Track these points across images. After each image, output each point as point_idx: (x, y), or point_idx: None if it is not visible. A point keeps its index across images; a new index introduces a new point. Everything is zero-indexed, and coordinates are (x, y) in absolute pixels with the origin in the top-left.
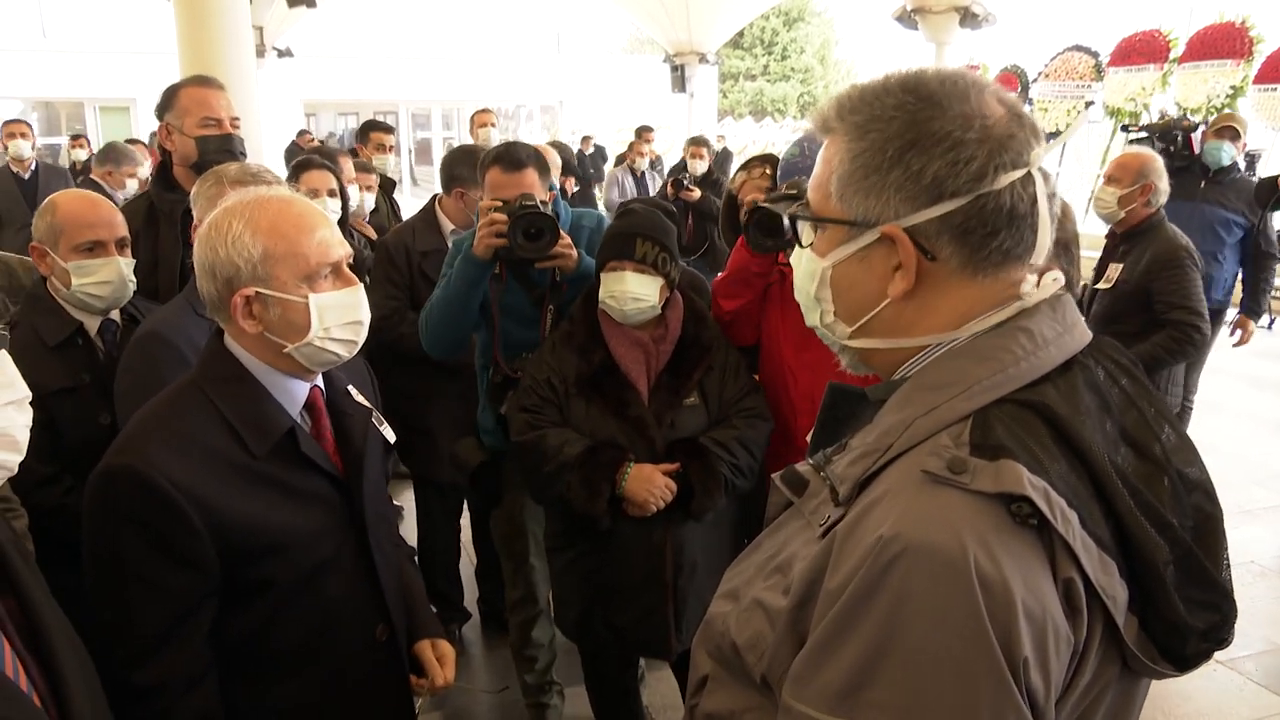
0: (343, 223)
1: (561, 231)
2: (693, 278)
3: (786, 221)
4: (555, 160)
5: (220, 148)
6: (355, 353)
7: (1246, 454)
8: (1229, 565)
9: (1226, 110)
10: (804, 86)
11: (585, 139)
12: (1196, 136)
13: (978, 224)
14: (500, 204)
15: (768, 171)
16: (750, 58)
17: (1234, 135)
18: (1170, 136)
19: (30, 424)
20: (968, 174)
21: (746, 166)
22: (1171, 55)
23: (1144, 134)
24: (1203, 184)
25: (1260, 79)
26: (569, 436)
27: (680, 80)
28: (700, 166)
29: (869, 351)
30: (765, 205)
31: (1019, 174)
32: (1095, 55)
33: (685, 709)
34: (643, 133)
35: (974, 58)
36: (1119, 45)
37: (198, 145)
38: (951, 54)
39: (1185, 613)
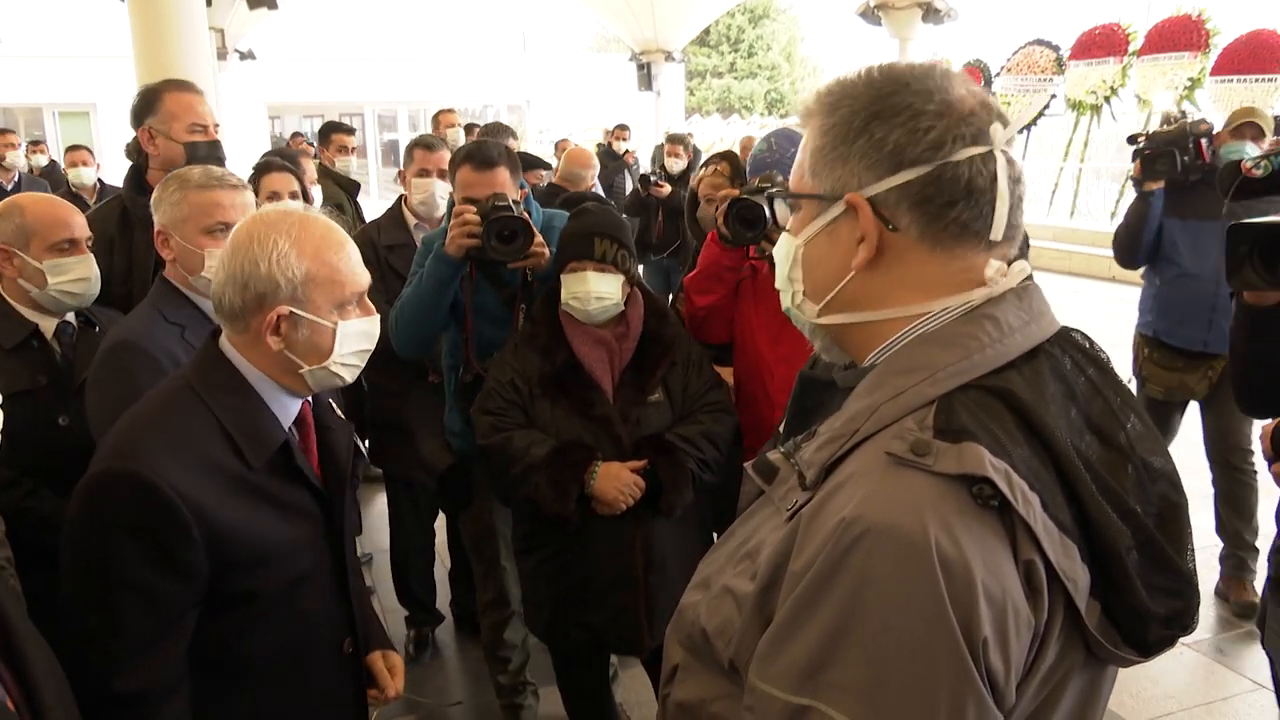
0: None
1: (535, 231)
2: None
3: (767, 208)
4: (596, 165)
5: (210, 154)
6: (355, 377)
7: None
8: (1194, 553)
9: (1246, 105)
10: (770, 83)
11: (617, 130)
12: (1209, 144)
13: (935, 193)
14: (472, 203)
15: (725, 168)
16: (717, 55)
17: (1257, 133)
18: (1183, 144)
19: (2, 426)
20: (926, 142)
21: (707, 163)
22: (1131, 48)
23: (1150, 145)
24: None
25: (1217, 70)
26: (535, 438)
27: (647, 78)
28: (678, 164)
29: (839, 331)
30: (744, 197)
31: (979, 150)
32: (1056, 49)
33: (659, 699)
34: (617, 131)
35: (937, 53)
36: (1079, 39)
37: (187, 151)
38: (915, 49)
39: (1147, 598)
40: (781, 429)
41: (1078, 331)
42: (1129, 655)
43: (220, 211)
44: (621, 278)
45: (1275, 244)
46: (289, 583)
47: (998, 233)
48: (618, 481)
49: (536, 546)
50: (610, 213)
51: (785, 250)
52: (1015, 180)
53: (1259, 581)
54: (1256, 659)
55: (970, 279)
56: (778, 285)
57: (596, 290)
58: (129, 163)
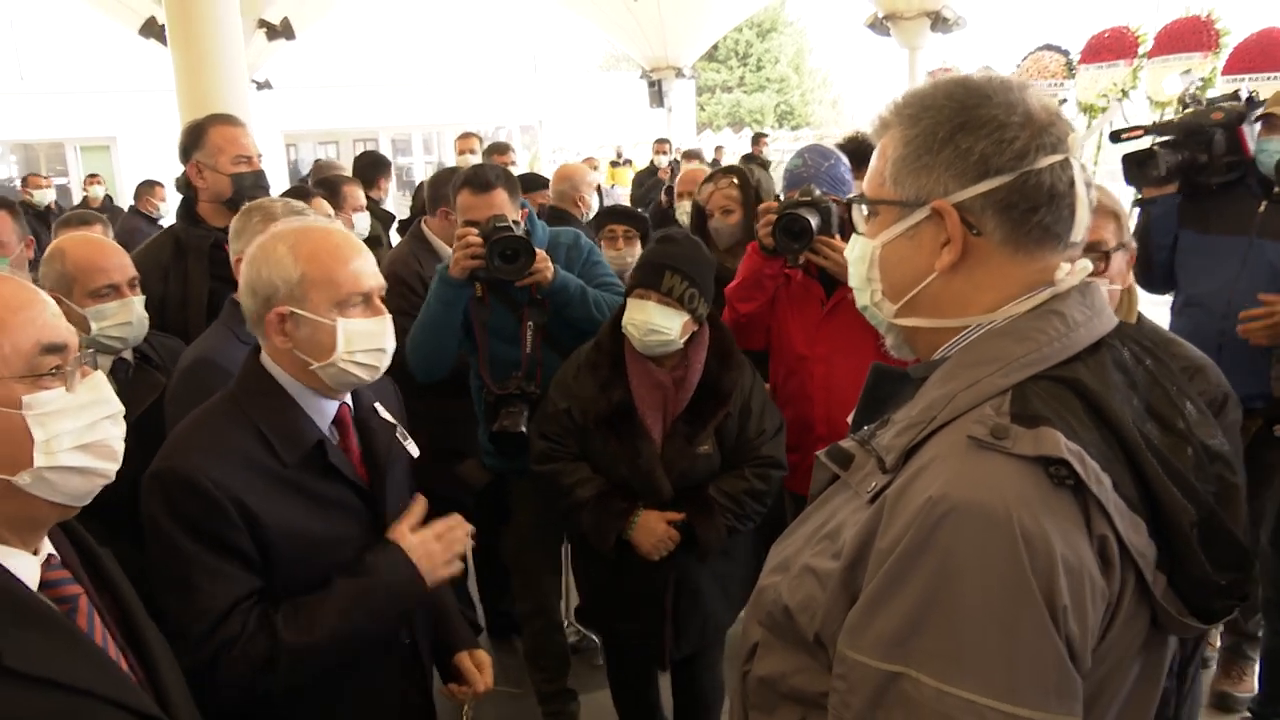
0: None
1: (536, 249)
2: None
3: (813, 220)
4: (586, 175)
5: (255, 184)
6: (377, 377)
7: None
8: (1249, 529)
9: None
10: (780, 96)
11: (658, 144)
12: (1252, 131)
13: (1020, 199)
14: (473, 225)
15: (735, 181)
16: (726, 70)
17: None
18: (1202, 138)
19: (124, 436)
20: (1011, 152)
21: (713, 178)
22: (1141, 50)
23: (1147, 137)
24: (1263, 205)
25: (1229, 70)
26: (582, 476)
27: (658, 95)
28: (662, 160)
29: (912, 332)
30: (791, 211)
31: (1058, 158)
32: (1066, 54)
33: (738, 676)
34: (658, 145)
35: (946, 61)
36: (1089, 43)
37: (233, 182)
38: (924, 58)
39: (1210, 570)
40: (852, 419)
41: (1134, 326)
42: (1192, 623)
43: None
44: (685, 316)
45: None
46: (330, 573)
47: (1079, 234)
48: (653, 536)
49: (587, 551)
50: (695, 248)
51: (861, 252)
52: (1087, 185)
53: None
54: None
55: (1042, 279)
56: (853, 284)
57: (655, 323)
58: (177, 195)
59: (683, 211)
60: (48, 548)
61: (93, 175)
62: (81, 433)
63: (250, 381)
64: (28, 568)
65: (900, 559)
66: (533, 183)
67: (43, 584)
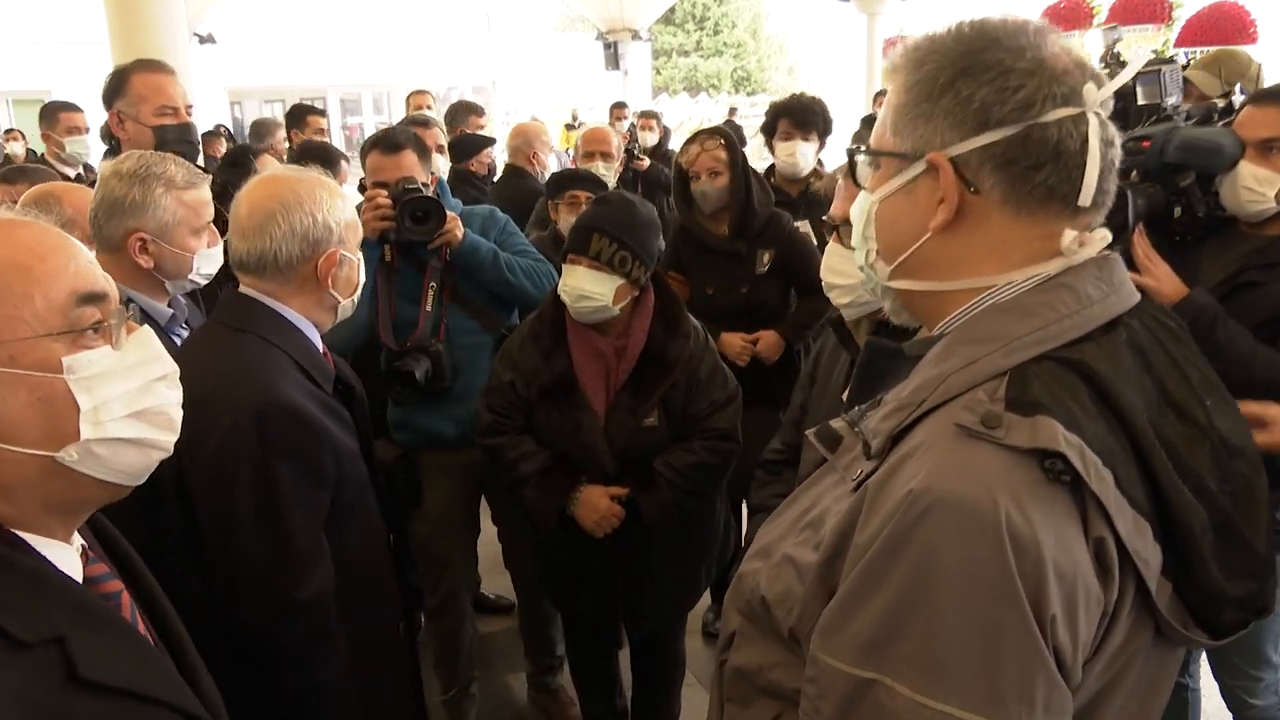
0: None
1: (447, 210)
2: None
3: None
4: (537, 133)
5: (180, 137)
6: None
7: None
8: (1272, 534)
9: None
10: (737, 61)
11: (615, 109)
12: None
13: (1021, 155)
14: (383, 186)
15: (722, 143)
16: (683, 33)
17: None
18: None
19: (181, 401)
20: (1015, 102)
21: (697, 139)
22: (1095, 21)
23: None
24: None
25: (1181, 43)
26: (525, 450)
27: (614, 58)
28: (650, 138)
29: (909, 296)
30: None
31: (1072, 111)
32: None
33: (715, 664)
34: (615, 110)
35: (904, 29)
36: (1044, 12)
37: (156, 135)
38: (883, 24)
39: (1222, 580)
40: (845, 396)
41: (1157, 304)
42: (1199, 637)
43: (208, 209)
44: (619, 280)
45: None
46: (360, 487)
47: (1086, 198)
48: (595, 513)
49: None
50: (628, 209)
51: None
52: (1108, 143)
53: None
54: None
55: (1049, 248)
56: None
57: (585, 289)
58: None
59: (593, 169)
60: (79, 538)
61: (10, 131)
62: (133, 397)
63: (261, 317)
64: (73, 562)
65: (877, 556)
66: (478, 143)
67: (85, 579)
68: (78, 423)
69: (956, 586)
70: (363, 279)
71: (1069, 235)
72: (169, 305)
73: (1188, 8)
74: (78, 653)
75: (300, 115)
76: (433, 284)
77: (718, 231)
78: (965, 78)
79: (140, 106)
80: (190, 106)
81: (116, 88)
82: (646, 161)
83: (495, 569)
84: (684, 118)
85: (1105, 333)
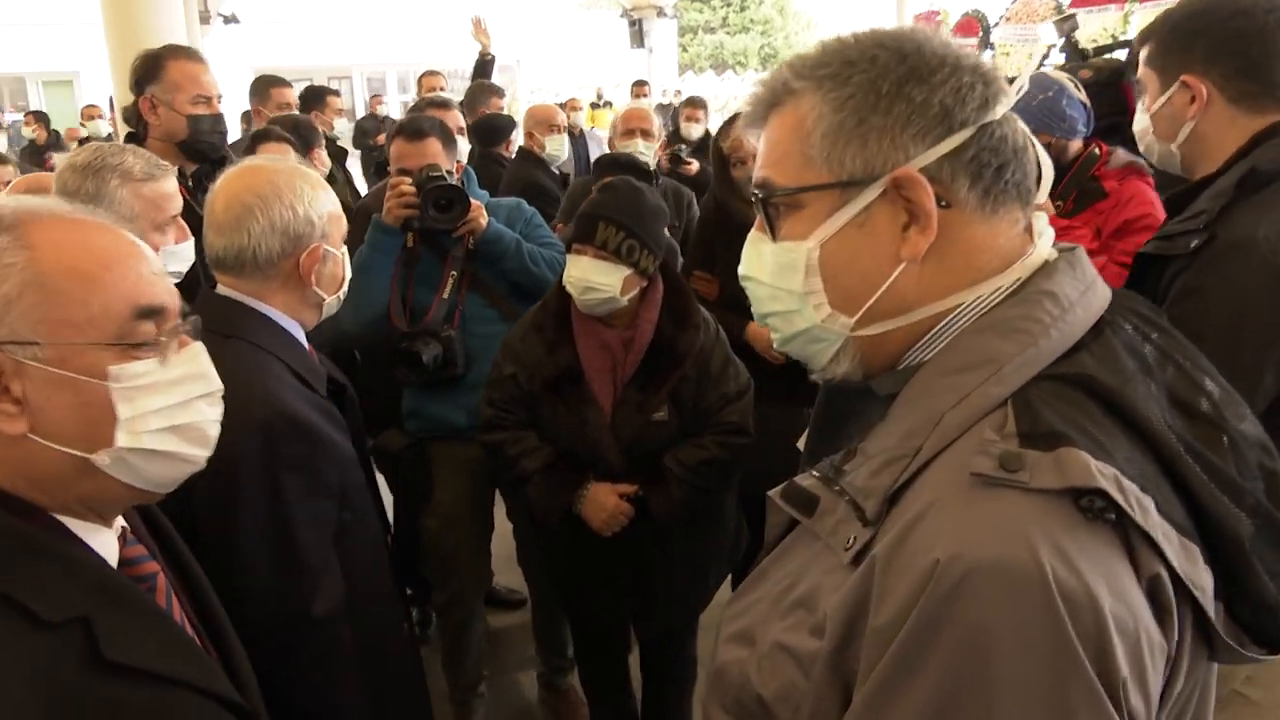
0: None
1: (472, 199)
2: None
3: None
4: (552, 117)
5: (214, 128)
6: None
7: None
8: None
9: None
10: (764, 38)
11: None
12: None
13: (991, 156)
14: (406, 174)
15: None
16: (709, 10)
17: None
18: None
19: (220, 419)
20: (974, 100)
21: (738, 121)
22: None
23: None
24: None
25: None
26: (528, 446)
27: (639, 35)
28: (696, 130)
29: (879, 340)
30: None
31: (1008, 105)
32: None
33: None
34: (636, 88)
35: (935, 3)
36: None
37: (190, 124)
38: (911, 1)
39: (1275, 589)
40: (805, 446)
41: (1124, 291)
42: (1256, 654)
43: (172, 203)
44: (626, 270)
45: None
46: (359, 491)
47: (1044, 191)
48: (603, 511)
49: (539, 531)
50: (636, 196)
51: (784, 262)
52: (1029, 136)
53: None
54: None
55: (1015, 249)
56: (774, 309)
57: (591, 279)
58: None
59: (630, 149)
60: (121, 520)
61: (30, 113)
62: (172, 412)
63: (246, 320)
64: (109, 544)
65: (910, 640)
66: (504, 125)
67: (121, 561)
68: (114, 430)
69: (1010, 665)
70: (348, 274)
71: (1039, 230)
72: None
73: None
74: (102, 633)
75: (321, 98)
76: (453, 272)
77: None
78: (914, 82)
79: (176, 94)
80: (220, 96)
81: (151, 73)
82: (695, 165)
83: (510, 562)
84: (714, 96)
85: (1094, 337)
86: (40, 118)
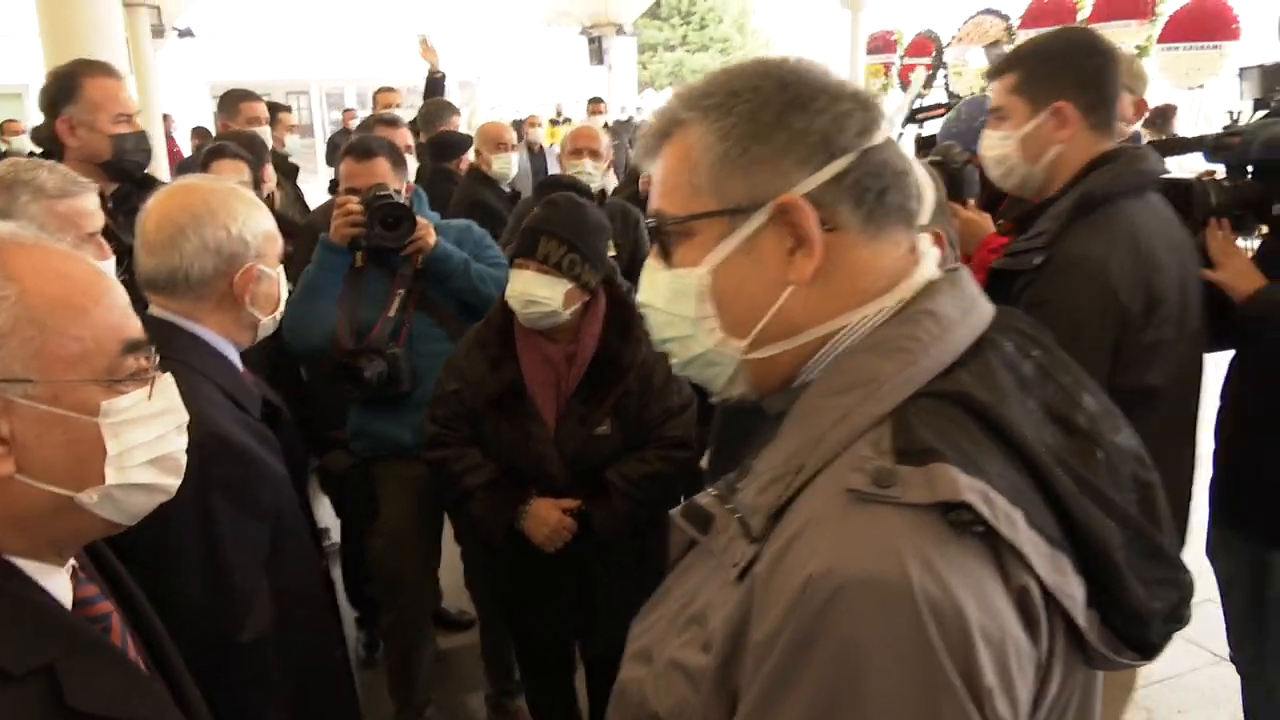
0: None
1: (419, 218)
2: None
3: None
4: (501, 135)
5: (138, 145)
6: None
7: None
8: (1173, 531)
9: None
10: (723, 56)
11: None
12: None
13: (872, 180)
14: (354, 193)
15: None
16: (668, 27)
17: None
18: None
19: (187, 448)
20: (853, 128)
21: None
22: (1079, 17)
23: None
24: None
25: (1164, 39)
26: (471, 462)
27: (598, 52)
28: None
29: (770, 362)
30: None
31: (889, 132)
32: (1006, 18)
33: None
34: (592, 105)
35: (889, 23)
36: (1029, 8)
37: (114, 144)
38: (867, 19)
39: (1146, 597)
40: (706, 465)
41: (1009, 309)
42: (1131, 659)
43: (90, 220)
44: (568, 285)
45: None
46: (293, 513)
47: (927, 212)
48: (545, 526)
49: (486, 544)
50: (577, 211)
51: (680, 287)
52: (909, 160)
53: None
54: (1214, 630)
55: (899, 270)
56: (670, 334)
57: (532, 294)
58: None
59: (577, 170)
60: (71, 560)
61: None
62: (152, 445)
63: (179, 342)
64: (63, 586)
65: (785, 656)
66: (460, 142)
67: (75, 602)
68: (103, 466)
69: (883, 680)
70: (284, 295)
71: (924, 251)
72: None
73: (1170, 3)
74: (66, 681)
75: (271, 112)
76: (400, 290)
77: None
78: (794, 111)
79: (96, 114)
80: (139, 112)
81: (67, 91)
82: None
83: (460, 584)
84: None
85: (974, 355)
86: None
